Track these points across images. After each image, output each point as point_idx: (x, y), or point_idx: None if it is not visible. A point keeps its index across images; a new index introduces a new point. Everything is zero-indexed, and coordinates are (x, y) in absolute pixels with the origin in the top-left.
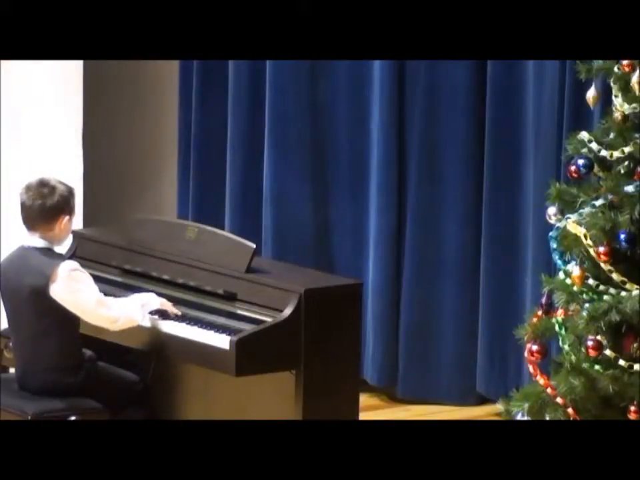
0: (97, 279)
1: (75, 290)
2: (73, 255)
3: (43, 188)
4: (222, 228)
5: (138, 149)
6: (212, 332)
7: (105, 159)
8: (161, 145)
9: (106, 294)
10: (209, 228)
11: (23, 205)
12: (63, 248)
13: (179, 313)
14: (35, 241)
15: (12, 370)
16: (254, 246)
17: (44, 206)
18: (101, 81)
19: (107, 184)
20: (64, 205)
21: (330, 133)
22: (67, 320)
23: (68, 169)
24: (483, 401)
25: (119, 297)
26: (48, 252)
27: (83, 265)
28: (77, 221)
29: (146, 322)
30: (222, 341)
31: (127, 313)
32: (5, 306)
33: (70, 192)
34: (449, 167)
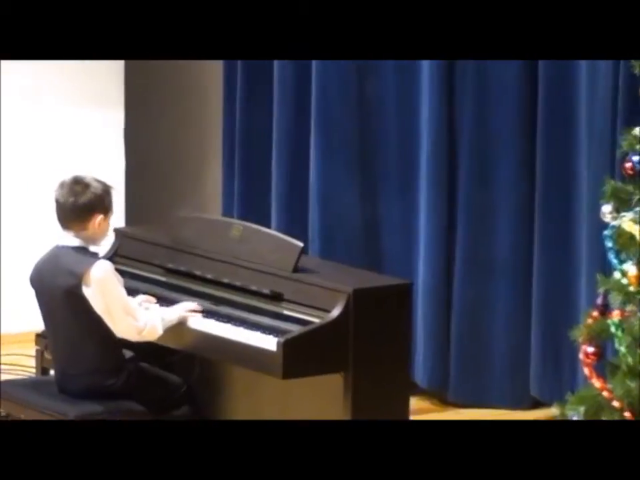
0: (139, 278)
1: (104, 294)
2: (114, 253)
3: (76, 185)
4: (268, 226)
5: (182, 145)
6: (258, 333)
7: (148, 156)
8: (206, 141)
9: (148, 294)
10: (255, 226)
11: (56, 203)
12: (99, 248)
13: (200, 311)
14: (69, 239)
15: (52, 372)
16: (301, 245)
17: (76, 204)
18: (143, 76)
19: (150, 181)
20: (97, 204)
21: (378, 128)
22: (104, 322)
23: (109, 166)
24: (536, 404)
25: (163, 296)
26: (81, 251)
27: (125, 264)
28: (119, 219)
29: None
30: (268, 343)
31: (151, 324)
32: (40, 307)
33: (105, 190)
34: (501, 163)
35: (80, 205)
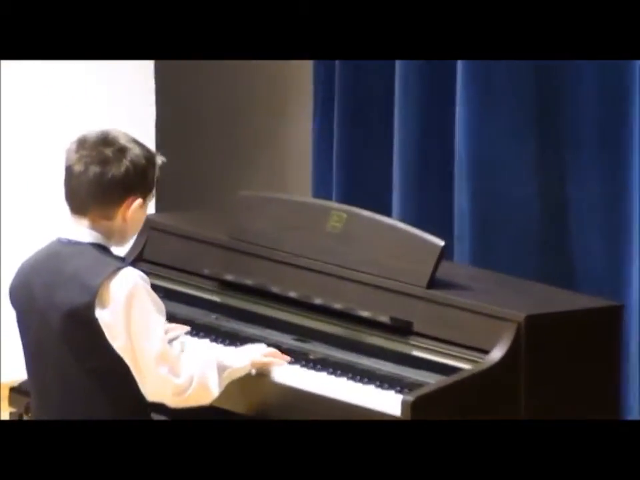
0: (177, 298)
1: (130, 324)
2: (139, 256)
3: (105, 147)
4: (386, 213)
5: (245, 91)
6: (371, 387)
7: (192, 109)
8: (288, 84)
9: (194, 324)
10: (366, 213)
11: (68, 171)
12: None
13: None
14: (81, 232)
15: None
16: (442, 244)
17: (103, 176)
18: None
19: (196, 146)
20: (136, 179)
21: (565, 66)
22: (125, 365)
23: (134, 124)
24: None
25: (216, 328)
26: (100, 251)
27: (155, 275)
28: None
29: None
30: (388, 402)
31: (200, 380)
32: (23, 340)
33: (150, 159)
34: None
35: (109, 179)
